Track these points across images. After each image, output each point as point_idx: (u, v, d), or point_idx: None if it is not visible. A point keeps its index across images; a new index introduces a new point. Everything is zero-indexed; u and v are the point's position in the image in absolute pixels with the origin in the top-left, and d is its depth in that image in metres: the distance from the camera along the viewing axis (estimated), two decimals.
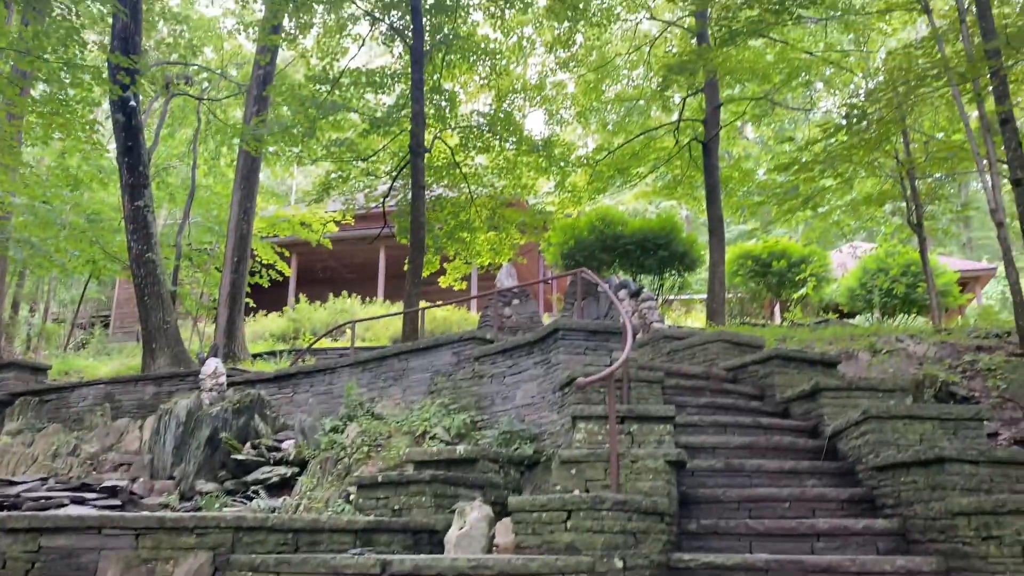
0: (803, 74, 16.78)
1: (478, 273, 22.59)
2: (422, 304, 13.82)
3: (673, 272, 19.40)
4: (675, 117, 18.27)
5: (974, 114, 11.47)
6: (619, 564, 4.66)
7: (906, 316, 19.73)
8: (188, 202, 19.43)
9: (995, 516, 4.59)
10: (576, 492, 5.25)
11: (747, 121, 20.62)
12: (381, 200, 16.94)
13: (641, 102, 20.15)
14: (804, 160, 12.23)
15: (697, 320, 20.82)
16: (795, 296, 21.04)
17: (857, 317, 20.91)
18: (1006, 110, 7.52)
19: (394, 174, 16.30)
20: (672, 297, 22.93)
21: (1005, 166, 8.52)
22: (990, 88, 8.16)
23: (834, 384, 7.06)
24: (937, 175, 14.68)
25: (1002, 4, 10.28)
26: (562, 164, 16.79)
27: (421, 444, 8.01)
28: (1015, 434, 7.15)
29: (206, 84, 21.54)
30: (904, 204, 14.24)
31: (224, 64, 22.27)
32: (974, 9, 8.43)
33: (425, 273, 17.16)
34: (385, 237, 19.34)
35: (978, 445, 5.52)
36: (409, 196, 15.04)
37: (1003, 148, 7.89)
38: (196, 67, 20.38)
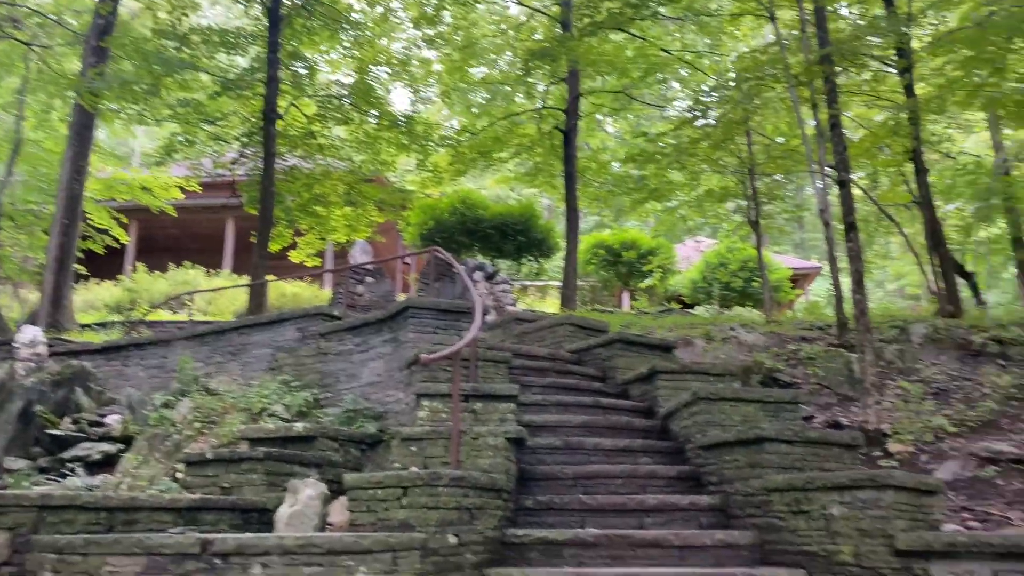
0: (660, 72, 17.38)
1: (334, 250, 22.00)
2: (269, 278, 13.26)
3: (530, 258, 19.67)
4: (539, 105, 18.47)
5: (812, 122, 12.30)
6: (453, 540, 4.64)
7: (742, 308, 21.01)
8: (12, 157, 17.71)
9: (805, 492, 4.92)
10: (414, 469, 5.18)
11: (607, 114, 21.17)
12: (230, 167, 16.10)
13: (506, 87, 20.24)
14: (651, 152, 12.71)
15: (552, 305, 21.21)
16: (643, 285, 21.92)
17: (698, 308, 22.03)
18: (835, 114, 8.09)
19: (245, 140, 15.51)
20: (529, 283, 23.30)
21: (834, 170, 9.17)
22: (824, 96, 8.77)
23: (669, 367, 7.37)
24: (776, 176, 15.63)
25: (838, 19, 11.05)
26: (424, 142, 16.58)
27: (258, 422, 7.68)
28: (828, 418, 7.73)
29: (38, 30, 19.64)
30: (745, 202, 15.07)
31: (60, 9, 20.38)
32: (814, 20, 9.02)
33: (276, 247, 16.50)
34: (233, 207, 18.44)
35: (794, 427, 5.91)
36: (260, 164, 14.38)
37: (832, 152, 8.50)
38: (26, 9, 18.53)
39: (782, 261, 24.94)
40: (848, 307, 9.52)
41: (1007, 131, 15.63)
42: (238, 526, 5.52)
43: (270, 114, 13.63)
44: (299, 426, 6.66)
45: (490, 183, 25.23)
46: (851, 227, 7.83)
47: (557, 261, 22.24)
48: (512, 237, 17.38)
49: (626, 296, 24.03)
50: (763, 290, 14.55)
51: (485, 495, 4.97)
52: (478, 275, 13.15)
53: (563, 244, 17.23)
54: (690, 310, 20.44)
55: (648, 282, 21.39)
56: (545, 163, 18.63)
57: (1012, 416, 7.26)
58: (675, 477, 6.01)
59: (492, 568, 4.84)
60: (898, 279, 30.51)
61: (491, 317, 11.91)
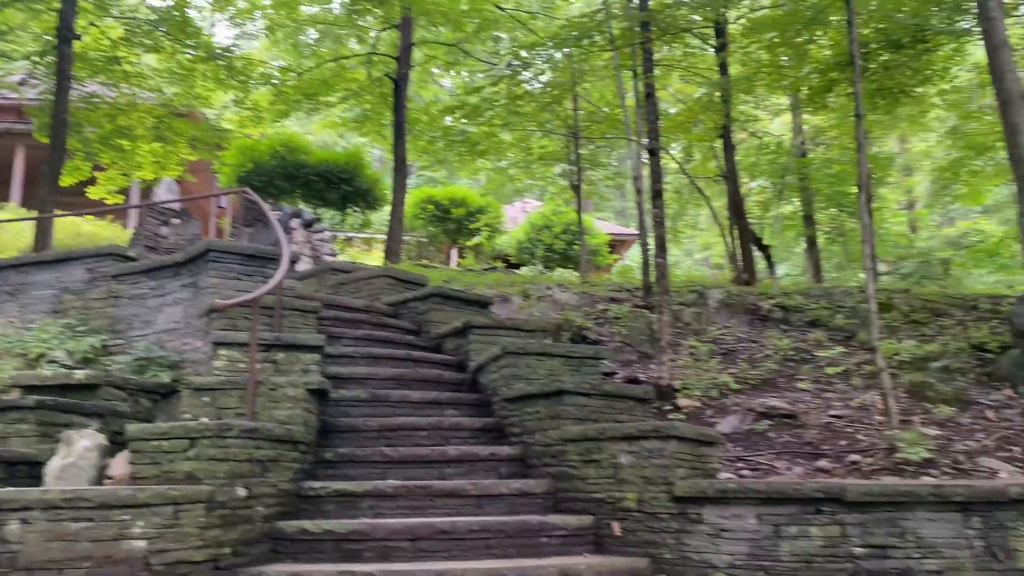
0: (495, 29, 17.31)
1: (140, 188, 20.34)
2: (57, 212, 12.04)
3: (356, 209, 19.20)
4: (370, 50, 17.87)
5: (632, 93, 12.75)
6: (243, 493, 4.44)
7: (564, 269, 21.72)
8: None
9: (596, 442, 5.14)
10: (204, 420, 4.90)
11: (441, 67, 20.86)
12: (17, 88, 14.36)
13: (338, 29, 19.39)
14: (473, 105, 12.70)
15: (377, 259, 20.88)
16: (470, 243, 22.06)
17: (523, 268, 22.55)
18: (649, 83, 8.40)
19: (36, 60, 13.86)
20: (354, 234, 22.77)
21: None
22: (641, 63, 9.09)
23: (483, 322, 7.44)
24: (599, 144, 16.13)
25: None
26: (244, 79, 15.56)
27: (36, 368, 6.99)
28: (629, 374, 8.13)
29: None
30: (569, 167, 15.45)
31: None
32: None
33: (70, 181, 14.98)
34: (21, 133, 16.55)
35: (593, 380, 6.15)
36: (53, 88, 12.91)
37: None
38: None
39: (602, 227, 25.94)
40: (654, 272, 10.03)
41: (806, 115, 16.98)
42: (2, 480, 4.99)
43: (66, 32, 12.21)
44: (80, 373, 6.10)
45: (316, 127, 24.23)
46: (658, 194, 8.21)
47: (384, 214, 21.88)
48: (337, 185, 16.85)
49: (454, 253, 24.11)
50: (581, 251, 15.06)
51: (280, 447, 4.80)
52: (295, 222, 12.62)
53: (390, 196, 16.92)
54: (515, 270, 20.85)
55: (476, 240, 21.55)
56: (375, 111, 18.10)
57: (788, 376, 7.98)
58: (480, 429, 6.10)
59: (285, 521, 4.69)
60: (705, 249, 32.65)
61: (306, 266, 11.50)
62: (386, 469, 5.45)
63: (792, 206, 20.59)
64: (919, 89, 13.09)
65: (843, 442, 6.10)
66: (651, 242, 9.85)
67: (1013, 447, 5.80)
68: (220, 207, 23.83)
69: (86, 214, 13.76)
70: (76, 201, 17.18)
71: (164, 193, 13.64)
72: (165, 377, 6.92)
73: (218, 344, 5.91)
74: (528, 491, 5.24)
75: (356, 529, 4.56)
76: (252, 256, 7.37)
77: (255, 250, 7.39)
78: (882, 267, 21.76)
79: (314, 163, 16.55)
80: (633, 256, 32.47)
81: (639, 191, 9.85)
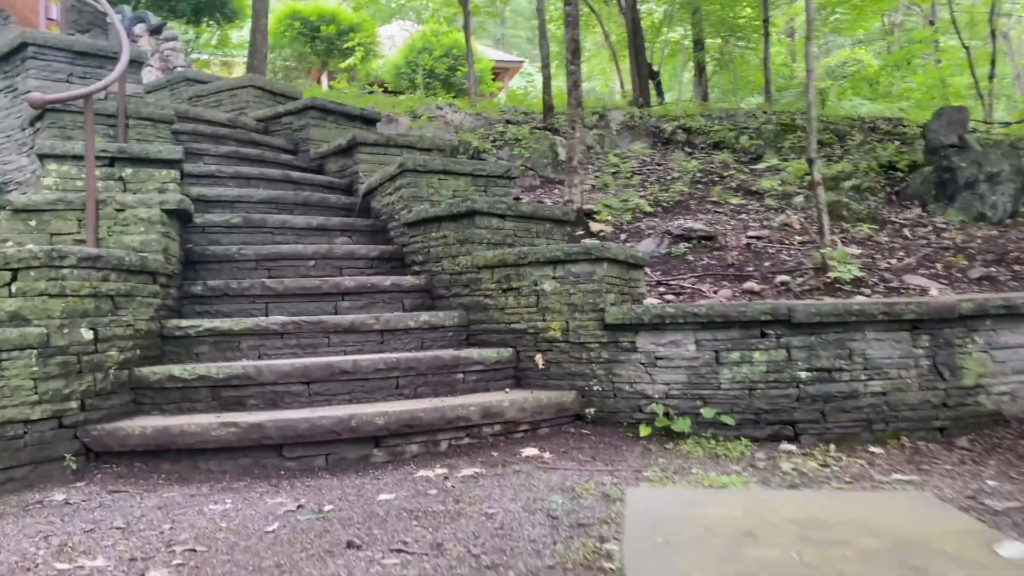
0: None
1: None
2: None
3: (211, 22, 16.96)
4: None
5: None
6: (88, 335, 3.55)
7: (444, 97, 20.40)
8: None
9: (517, 268, 4.51)
10: (30, 247, 3.87)
11: None
12: None
13: None
14: None
15: None
16: (343, 65, 20.22)
17: (400, 96, 21.04)
18: None
19: None
20: (209, 56, 20.35)
21: None
22: None
23: (372, 139, 6.48)
24: None
25: None
26: None
27: None
28: (534, 199, 7.48)
29: None
30: None
31: None
32: None
33: None
34: None
35: (506, 200, 5.45)
36: None
37: None
38: None
39: (484, 52, 24.44)
40: (555, 93, 9.21)
41: None
42: None
43: None
44: None
45: None
46: None
47: (245, 32, 19.53)
48: None
49: (324, 78, 22.12)
50: (468, 76, 13.93)
51: (134, 279, 3.88)
52: (140, 28, 10.75)
53: (251, 9, 14.85)
54: (393, 97, 19.36)
55: (349, 61, 19.74)
56: None
57: (699, 198, 7.55)
58: (377, 257, 5.33)
59: (146, 367, 3.86)
60: (589, 78, 31.68)
61: (155, 76, 9.89)
62: (268, 303, 4.65)
63: (682, 31, 19.90)
64: None
65: (767, 263, 5.76)
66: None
67: (934, 264, 5.63)
68: (50, 19, 20.58)
69: None
70: None
71: None
72: None
73: (45, 157, 4.74)
74: (438, 324, 4.60)
75: (237, 373, 3.80)
76: (83, 53, 6.03)
77: (86, 46, 6.01)
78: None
79: None
80: (515, 86, 31.20)
81: (540, 11, 8.82)
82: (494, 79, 23.15)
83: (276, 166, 6.54)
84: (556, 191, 7.89)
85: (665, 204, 7.24)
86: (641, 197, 7.33)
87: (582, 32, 20.79)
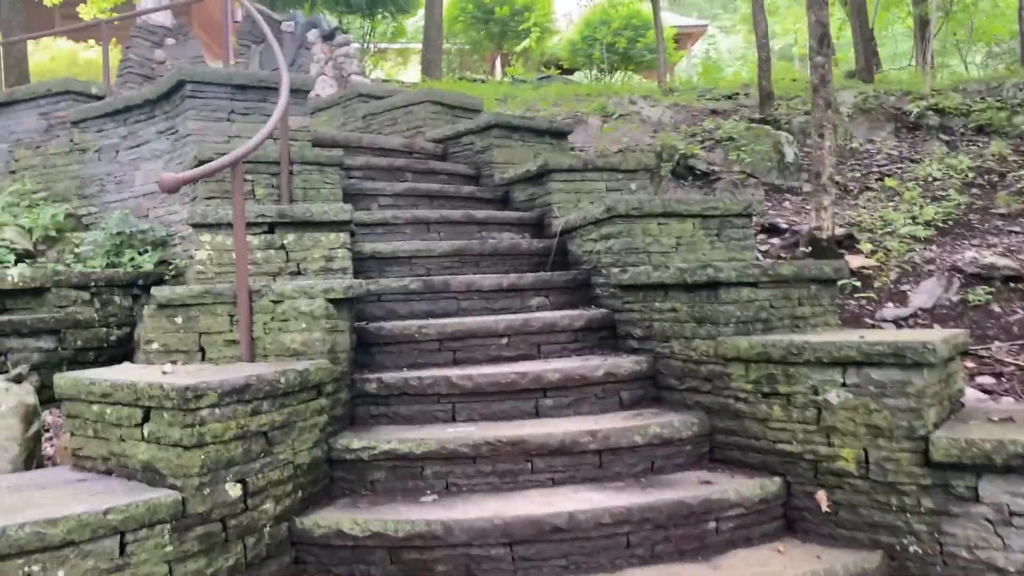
0: None
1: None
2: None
3: (386, 14, 16.57)
4: None
5: None
6: (235, 492, 2.75)
7: (624, 73, 18.97)
8: None
9: (784, 366, 3.27)
10: (167, 367, 3.13)
11: None
12: None
13: None
14: None
15: (414, 75, 18.46)
16: (518, 48, 19.33)
17: (577, 73, 19.84)
18: None
19: None
20: (386, 46, 20.13)
21: None
22: None
23: (567, 164, 5.38)
24: None
25: None
26: None
27: None
28: (760, 221, 6.10)
29: None
30: None
31: None
32: None
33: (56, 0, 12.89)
34: None
35: (747, 253, 4.19)
36: None
37: None
38: None
39: (663, 18, 22.62)
40: (775, 72, 7.69)
41: None
42: None
43: None
44: (14, 274, 4.37)
45: None
46: None
47: (419, 19, 19.08)
48: None
49: (499, 62, 21.34)
50: (658, 52, 12.49)
51: (293, 402, 3.05)
52: (313, 34, 10.28)
53: (424, 1, 14.27)
54: (569, 76, 18.22)
55: (525, 43, 18.79)
56: None
57: (980, 210, 5.86)
58: (582, 328, 4.26)
59: (310, 513, 3.04)
60: (773, 36, 28.75)
61: (328, 90, 9.37)
62: (455, 403, 3.71)
63: None
64: None
65: None
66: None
67: None
68: (236, 21, 21.19)
69: (51, 34, 11.54)
70: (64, 19, 14.99)
71: (150, 2, 11.13)
72: (148, 262, 5.18)
73: (198, 226, 4.05)
74: (672, 437, 3.45)
75: (421, 531, 2.88)
76: (245, 87, 5.37)
77: (246, 78, 5.34)
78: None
79: None
80: (696, 53, 29.00)
81: None
82: (675, 48, 21.38)
83: (458, 202, 5.63)
84: (786, 203, 6.46)
85: (939, 224, 5.63)
86: (903, 213, 5.76)
87: None
